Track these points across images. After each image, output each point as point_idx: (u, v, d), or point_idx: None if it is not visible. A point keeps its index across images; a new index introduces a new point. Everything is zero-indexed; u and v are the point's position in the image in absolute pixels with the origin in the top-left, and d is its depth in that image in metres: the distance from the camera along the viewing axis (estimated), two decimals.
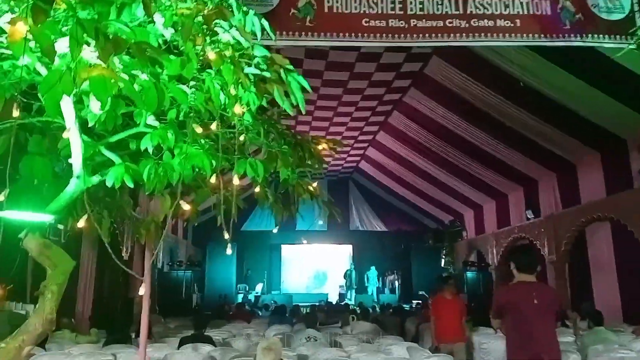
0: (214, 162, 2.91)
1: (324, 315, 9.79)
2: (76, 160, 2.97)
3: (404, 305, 14.59)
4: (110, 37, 1.69)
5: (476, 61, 9.34)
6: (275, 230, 3.82)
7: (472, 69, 9.89)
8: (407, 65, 11.05)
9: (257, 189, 3.28)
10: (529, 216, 13.21)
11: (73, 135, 2.86)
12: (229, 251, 3.00)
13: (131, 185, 2.94)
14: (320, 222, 4.11)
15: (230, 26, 2.12)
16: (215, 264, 18.01)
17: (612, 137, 9.71)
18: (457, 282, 17.01)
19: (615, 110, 8.81)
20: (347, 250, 21.43)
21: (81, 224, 2.60)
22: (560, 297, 3.86)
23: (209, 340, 5.85)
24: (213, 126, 2.67)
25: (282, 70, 2.32)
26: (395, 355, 5.46)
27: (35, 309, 2.52)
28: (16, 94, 3.14)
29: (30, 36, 1.59)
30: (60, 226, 3.13)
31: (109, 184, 2.95)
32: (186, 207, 3.09)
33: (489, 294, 15.06)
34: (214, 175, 2.97)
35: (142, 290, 2.46)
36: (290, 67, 2.33)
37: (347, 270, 19.54)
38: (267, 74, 2.29)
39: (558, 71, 8.28)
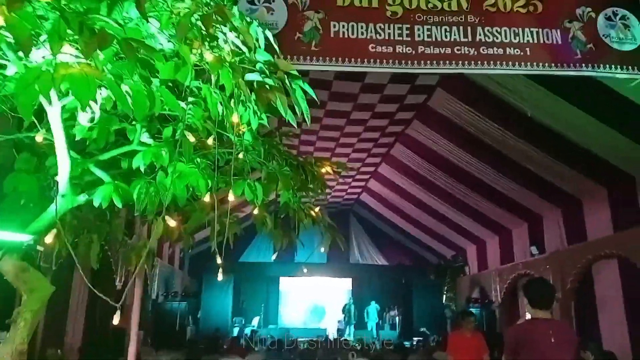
0: (209, 182, 2.71)
1: (322, 352, 9.42)
2: (62, 178, 2.78)
3: (405, 342, 14.12)
4: (97, 31, 1.52)
5: (481, 94, 9.26)
6: (274, 257, 3.57)
7: (477, 101, 9.81)
8: (411, 97, 10.99)
9: (256, 211, 3.06)
10: (533, 252, 12.92)
11: (59, 150, 2.68)
12: (220, 277, 2.73)
13: (119, 206, 2.74)
14: (322, 250, 3.88)
15: (232, 28, 1.96)
16: (211, 296, 17.61)
17: (619, 173, 9.52)
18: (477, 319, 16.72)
19: (623, 146, 8.66)
20: (346, 284, 21.01)
21: (49, 239, 2.36)
22: (578, 337, 3.54)
23: None
24: (210, 141, 2.47)
25: (286, 78, 2.14)
26: None
27: (5, 338, 2.28)
28: (5, 108, 2.99)
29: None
30: (40, 248, 2.89)
31: (96, 203, 2.76)
32: (172, 223, 2.86)
33: (492, 331, 14.65)
34: (208, 194, 2.76)
35: (116, 320, 2.22)
36: (295, 72, 2.15)
37: (345, 305, 19.09)
38: (269, 81, 2.12)
39: (565, 105, 8.17)
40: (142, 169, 2.84)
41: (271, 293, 20.43)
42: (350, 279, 21.08)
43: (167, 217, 3.84)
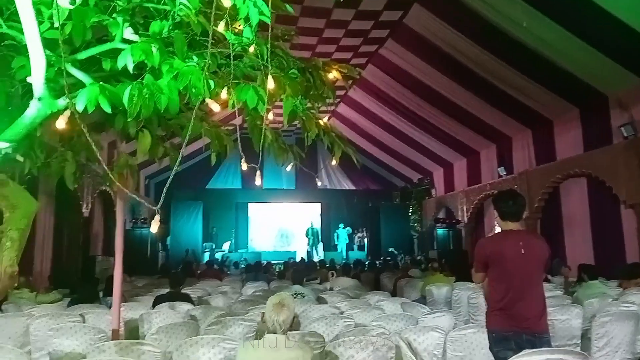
0: (211, 83, 2.37)
1: (299, 272, 9.44)
2: (37, 79, 2.37)
3: (375, 262, 14.47)
4: None
5: (458, 9, 8.91)
6: (289, 168, 3.22)
7: (454, 17, 9.47)
8: (387, 13, 10.49)
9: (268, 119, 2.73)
10: (501, 173, 13.13)
11: (32, 44, 2.26)
12: (257, 181, 2.46)
13: (108, 110, 2.37)
14: (334, 162, 3.58)
15: None
16: (180, 223, 17.40)
17: (592, 92, 9.53)
18: (428, 238, 17.18)
19: (598, 64, 8.57)
20: (315, 208, 21.14)
21: (60, 124, 2.01)
22: (548, 247, 3.43)
23: (186, 299, 5.41)
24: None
25: None
26: (388, 311, 5.16)
27: None
28: None
29: None
30: (20, 158, 2.52)
31: (79, 107, 2.38)
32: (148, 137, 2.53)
33: (458, 249, 15.18)
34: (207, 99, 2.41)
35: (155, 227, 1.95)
36: None
37: (308, 229, 19.33)
38: None
39: (542, 18, 7.90)
40: (130, 69, 2.46)
41: (240, 219, 20.39)
42: (319, 204, 21.22)
43: (144, 131, 3.51)
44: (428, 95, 12.51)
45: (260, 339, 2.69)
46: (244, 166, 2.56)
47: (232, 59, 2.70)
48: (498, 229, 3.56)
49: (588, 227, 10.34)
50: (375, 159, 19.34)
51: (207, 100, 2.30)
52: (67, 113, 1.96)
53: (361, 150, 18.88)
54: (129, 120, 2.48)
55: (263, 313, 2.67)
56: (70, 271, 9.54)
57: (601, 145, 9.47)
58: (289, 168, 3.27)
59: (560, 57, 8.91)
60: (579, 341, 4.71)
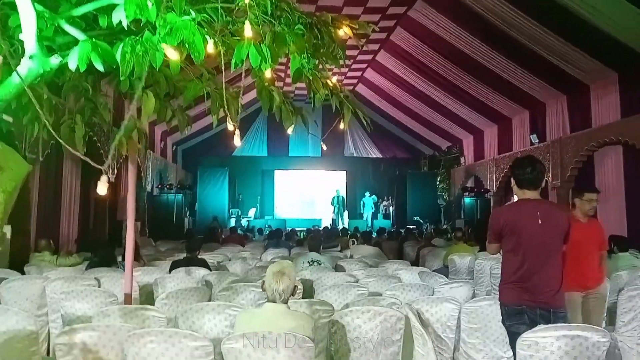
0: (207, 38, 2.23)
1: (320, 240, 9.40)
2: (28, 35, 2.28)
3: (400, 230, 14.34)
4: None
5: None
6: (290, 131, 3.07)
7: None
8: None
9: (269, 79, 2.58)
10: (533, 141, 12.68)
11: (22, 2, 2.15)
12: (236, 141, 2.35)
13: (101, 68, 2.27)
14: (342, 127, 3.44)
15: None
16: (206, 189, 17.56)
17: (633, 56, 8.96)
18: (455, 207, 16.88)
19: (637, 25, 8.04)
20: (340, 176, 21.03)
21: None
22: (569, 217, 3.17)
23: (203, 264, 5.41)
24: None
25: None
26: (405, 280, 5.06)
27: None
28: None
29: None
30: (8, 118, 2.46)
31: (72, 66, 2.28)
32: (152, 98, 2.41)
33: (485, 219, 14.88)
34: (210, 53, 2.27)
35: (103, 188, 1.87)
36: None
37: (333, 197, 19.23)
38: None
39: None
40: (125, 26, 2.33)
41: (266, 186, 20.48)
42: (345, 172, 21.09)
43: (148, 92, 3.40)
44: (459, 60, 12.04)
45: None
46: (230, 127, 2.43)
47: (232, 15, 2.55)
48: (516, 198, 3.36)
49: (622, 198, 9.93)
50: (403, 126, 18.97)
51: (165, 47, 2.15)
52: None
53: (389, 117, 18.57)
54: (121, 78, 2.36)
55: (263, 281, 2.59)
56: (98, 236, 9.73)
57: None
58: (289, 131, 3.11)
59: (600, 19, 8.37)
60: (605, 315, 4.52)
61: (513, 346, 2.94)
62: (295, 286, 2.54)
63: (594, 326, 2.66)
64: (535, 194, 3.14)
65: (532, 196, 3.13)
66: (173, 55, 2.13)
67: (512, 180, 3.26)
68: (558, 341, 2.49)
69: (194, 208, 17.33)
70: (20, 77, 2.17)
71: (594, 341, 2.50)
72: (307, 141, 20.20)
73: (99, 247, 6.10)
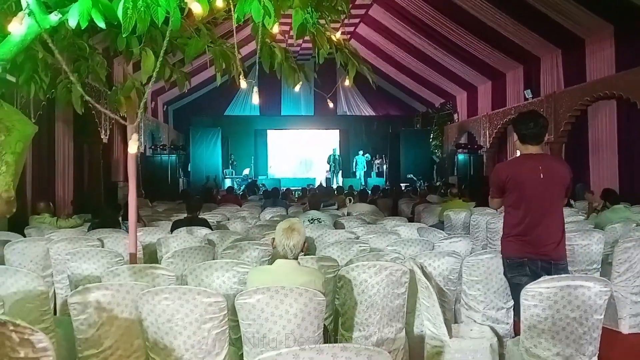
0: None
1: (317, 197, 9.46)
2: None
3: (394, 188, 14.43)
4: None
5: None
6: (297, 88, 2.99)
7: None
8: None
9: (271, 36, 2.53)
10: (527, 96, 12.67)
11: None
12: (255, 99, 2.33)
13: (102, 25, 2.21)
14: (347, 83, 3.37)
15: None
16: (199, 149, 17.48)
17: (629, 7, 8.84)
18: (448, 164, 16.99)
19: None
20: (333, 135, 20.95)
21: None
22: (571, 172, 3.20)
23: (204, 223, 5.44)
24: None
25: None
26: (404, 236, 5.13)
27: None
28: None
29: None
30: (11, 78, 2.41)
31: (72, 23, 2.22)
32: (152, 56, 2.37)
33: (479, 176, 15.01)
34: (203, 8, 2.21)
35: (134, 146, 1.87)
36: None
37: (330, 155, 19.20)
38: None
39: None
40: None
41: (259, 146, 20.39)
42: (338, 131, 21.01)
43: (147, 50, 3.33)
44: (453, 13, 11.84)
45: (272, 263, 2.67)
46: (243, 84, 2.39)
47: None
48: (518, 153, 3.37)
49: (615, 152, 10.03)
50: (397, 83, 18.81)
51: (188, 1, 2.10)
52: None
53: (382, 74, 18.34)
54: (124, 35, 2.31)
55: (273, 238, 2.61)
56: (93, 197, 9.71)
57: (636, 65, 8.94)
58: (297, 89, 3.07)
59: None
60: (599, 266, 4.64)
61: (515, 297, 3.02)
62: (304, 242, 2.57)
63: (596, 276, 2.73)
64: (538, 149, 3.15)
65: (535, 151, 3.14)
66: (197, 8, 2.07)
67: (515, 135, 3.26)
68: (561, 291, 2.56)
69: (188, 168, 17.29)
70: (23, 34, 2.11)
71: (596, 291, 2.57)
72: (300, 100, 20.01)
73: (99, 209, 6.10)
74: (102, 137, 9.94)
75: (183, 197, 9.72)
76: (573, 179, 3.27)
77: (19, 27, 2.15)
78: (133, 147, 1.97)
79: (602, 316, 2.65)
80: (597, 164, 10.59)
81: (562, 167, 3.20)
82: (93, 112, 8.94)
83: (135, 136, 1.95)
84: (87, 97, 2.61)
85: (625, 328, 4.33)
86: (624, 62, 9.37)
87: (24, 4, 2.11)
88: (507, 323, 3.57)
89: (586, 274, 4.37)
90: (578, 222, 5.78)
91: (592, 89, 10.13)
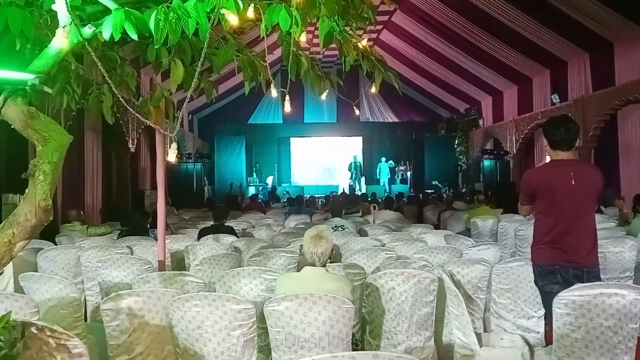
0: (240, 3, 2.19)
1: (340, 205, 9.45)
2: (61, 6, 2.27)
3: (418, 195, 14.34)
4: None
5: None
6: (324, 97, 3.00)
7: None
8: None
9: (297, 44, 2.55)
10: (554, 100, 12.46)
11: None
12: (287, 107, 2.35)
13: (135, 37, 2.25)
14: (373, 90, 3.34)
15: None
16: (224, 157, 17.68)
17: None
18: (474, 171, 16.80)
19: None
20: (357, 142, 20.93)
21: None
22: (603, 177, 3.13)
23: (230, 231, 5.49)
24: None
25: None
26: (430, 243, 5.08)
27: (24, 196, 1.96)
28: None
29: None
30: (47, 89, 2.47)
31: (105, 35, 2.27)
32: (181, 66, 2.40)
33: (505, 182, 14.80)
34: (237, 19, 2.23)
35: (173, 155, 1.90)
36: None
37: (350, 163, 19.19)
38: None
39: None
40: None
41: (283, 153, 20.49)
42: (361, 137, 20.98)
43: (176, 60, 3.38)
44: (477, 18, 11.74)
45: (300, 271, 2.68)
46: (274, 92, 2.42)
47: None
48: (548, 159, 3.31)
49: None
50: (420, 89, 18.71)
51: (224, 11, 2.13)
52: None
53: (405, 80, 18.25)
54: (155, 47, 2.36)
55: (301, 246, 2.62)
56: (121, 205, 9.90)
57: None
58: (324, 97, 3.09)
59: None
60: (632, 274, 4.51)
61: (547, 305, 2.96)
62: (332, 249, 2.58)
63: (630, 284, 2.67)
64: (569, 155, 3.10)
65: (566, 157, 3.09)
66: (234, 20, 2.11)
67: (545, 141, 3.21)
68: (595, 299, 2.51)
69: (213, 176, 17.48)
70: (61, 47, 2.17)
71: (630, 299, 2.51)
72: (322, 107, 20.04)
73: (129, 217, 6.20)
74: (129, 146, 10.13)
75: (209, 205, 9.83)
76: (605, 185, 3.20)
77: (61, 41, 2.21)
78: (172, 156, 2.01)
79: (638, 325, 2.58)
80: (627, 169, 10.34)
81: (595, 172, 3.14)
82: (121, 121, 9.12)
83: (174, 145, 1.99)
84: (126, 106, 2.65)
85: None
86: None
87: (64, 18, 2.17)
88: (538, 332, 3.50)
89: (619, 281, 4.26)
90: (610, 229, 5.63)
91: (621, 92, 9.92)
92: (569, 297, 2.56)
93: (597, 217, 5.99)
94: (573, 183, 2.99)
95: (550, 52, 11.88)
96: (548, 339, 3.22)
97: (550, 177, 3.08)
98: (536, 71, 13.33)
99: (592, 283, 2.68)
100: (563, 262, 2.98)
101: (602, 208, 7.52)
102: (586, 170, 3.13)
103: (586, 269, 2.98)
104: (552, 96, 12.57)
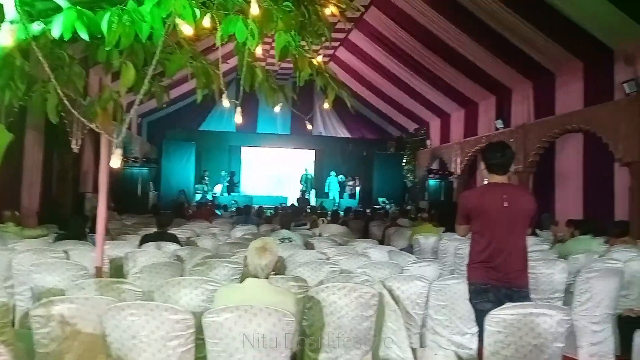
0: (197, 11, 2.20)
1: (289, 217, 9.46)
2: (9, 0, 2.20)
3: (366, 210, 14.55)
4: None
5: None
6: (277, 109, 3.01)
7: None
8: None
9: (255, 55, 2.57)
10: (498, 126, 12.98)
11: None
12: (237, 118, 2.35)
13: (86, 37, 2.21)
14: (325, 106, 3.37)
15: None
16: (172, 163, 17.29)
17: (598, 45, 9.25)
18: (420, 189, 17.20)
19: (606, 15, 8.28)
20: (309, 155, 21.02)
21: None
22: (535, 202, 3.32)
23: (173, 239, 5.38)
24: None
25: None
26: (374, 258, 5.17)
27: None
28: None
29: None
30: None
31: (55, 34, 2.22)
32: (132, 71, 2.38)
33: (449, 201, 15.24)
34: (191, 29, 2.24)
35: (117, 161, 1.87)
36: None
37: (302, 175, 19.30)
38: None
39: None
40: None
41: (233, 162, 20.24)
42: (314, 151, 21.09)
43: (127, 62, 3.32)
44: (430, 42, 12.17)
45: (242, 282, 2.67)
46: (226, 103, 2.43)
47: None
48: (486, 182, 3.47)
49: (580, 184, 10.34)
50: (373, 107, 19.11)
51: (178, 21, 2.13)
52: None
53: (359, 97, 18.59)
54: (106, 48, 2.32)
55: (246, 257, 2.62)
56: (60, 207, 9.49)
57: (602, 101, 9.30)
58: (277, 109, 3.12)
59: (569, 7, 8.60)
60: (562, 295, 4.75)
61: (480, 323, 3.08)
62: (277, 262, 2.59)
63: (558, 305, 2.82)
64: (504, 178, 3.25)
65: (501, 180, 3.24)
66: (188, 30, 2.10)
67: (482, 164, 3.36)
68: (524, 318, 2.63)
69: (159, 182, 17.06)
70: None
71: (557, 319, 2.65)
72: (276, 118, 20.00)
73: (66, 220, 5.98)
74: (73, 146, 9.76)
75: (153, 211, 9.60)
76: (539, 209, 3.37)
77: (6, 37, 2.14)
78: (116, 162, 1.97)
79: (563, 344, 2.73)
80: (562, 194, 10.90)
81: (527, 196, 3.30)
82: (65, 121, 8.78)
83: (119, 151, 1.95)
84: (70, 109, 2.57)
85: (584, 356, 4.42)
86: (592, 97, 9.74)
87: (11, 13, 2.10)
88: (471, 348, 3.63)
89: (549, 302, 4.47)
90: (542, 251, 5.92)
91: (560, 121, 10.46)
92: (500, 316, 2.68)
93: (531, 239, 6.30)
94: (505, 205, 3.13)
95: (496, 79, 12.43)
96: (480, 356, 3.34)
97: (484, 199, 3.22)
98: (482, 96, 13.88)
99: (522, 303, 2.81)
100: (495, 281, 3.11)
101: (537, 231, 7.89)
102: (519, 194, 3.28)
103: (516, 289, 3.12)
104: (496, 121, 13.10)
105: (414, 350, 3.23)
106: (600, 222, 8.81)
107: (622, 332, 4.16)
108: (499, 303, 2.90)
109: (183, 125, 18.74)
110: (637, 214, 8.20)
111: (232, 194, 18.75)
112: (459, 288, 3.58)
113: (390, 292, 3.34)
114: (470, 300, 3.28)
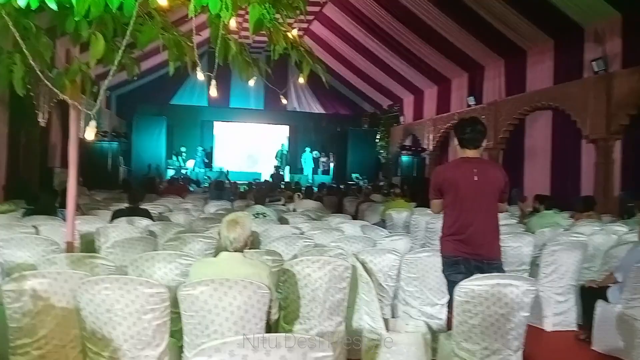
0: None
1: (263, 192, 9.46)
2: None
3: (340, 186, 14.64)
4: None
5: None
6: (251, 83, 2.99)
7: None
8: None
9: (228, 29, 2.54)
10: (470, 102, 13.14)
11: None
12: (212, 91, 2.32)
13: (54, 7, 2.15)
14: (300, 81, 3.34)
15: None
16: (142, 138, 16.99)
17: (569, 24, 9.40)
18: (393, 165, 17.39)
19: None
20: (283, 130, 20.90)
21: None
22: (506, 176, 3.40)
23: (146, 214, 5.34)
24: None
25: None
26: (347, 233, 5.24)
27: None
28: None
29: None
30: None
31: (21, 2, 2.14)
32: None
33: (421, 177, 15.45)
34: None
35: (91, 133, 1.83)
36: None
37: (278, 151, 19.23)
38: None
39: None
40: None
41: (206, 137, 19.97)
42: (288, 127, 20.97)
43: (97, 34, 3.23)
44: (405, 17, 12.16)
45: (217, 256, 2.68)
46: (200, 75, 2.40)
47: None
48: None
49: (548, 160, 10.62)
50: (347, 83, 19.06)
51: None
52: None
53: (333, 73, 18.49)
54: (75, 18, 2.25)
55: (220, 231, 2.63)
56: (27, 182, 9.26)
57: (572, 79, 9.51)
58: (251, 83, 3.09)
59: None
60: (528, 267, 4.93)
61: (451, 293, 3.18)
62: (249, 236, 2.60)
63: (524, 276, 2.92)
64: (475, 153, 3.30)
65: (472, 155, 3.29)
66: (162, 1, 2.05)
67: (455, 140, 3.41)
68: (492, 289, 2.72)
69: (129, 157, 16.77)
70: None
71: (523, 290, 2.75)
72: (250, 93, 19.74)
73: (34, 195, 5.85)
74: (39, 120, 9.49)
75: (124, 186, 9.46)
76: (510, 183, 3.44)
77: None
78: (90, 134, 1.93)
79: (528, 314, 2.84)
80: (531, 170, 11.17)
81: (497, 170, 3.37)
82: (31, 94, 8.52)
83: (93, 123, 1.91)
84: (43, 78, 2.49)
85: (549, 326, 4.63)
86: (561, 75, 9.94)
87: None
88: (441, 319, 3.75)
89: (516, 273, 4.63)
90: (510, 225, 6.09)
91: (531, 99, 10.66)
92: (468, 287, 2.76)
93: (501, 214, 6.46)
94: (476, 179, 3.19)
95: (469, 56, 12.53)
96: (450, 325, 3.45)
97: (454, 173, 3.28)
98: (455, 73, 13.99)
99: (490, 274, 2.90)
100: (465, 253, 3.19)
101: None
102: (489, 169, 3.35)
103: (487, 261, 3.21)
104: (468, 98, 13.26)
105: (386, 321, 3.31)
106: (566, 197, 9.14)
107: (585, 303, 4.35)
108: (470, 274, 2.98)
109: (153, 99, 18.35)
110: (602, 190, 8.48)
111: (206, 169, 18.53)
112: (430, 261, 3.67)
113: (363, 265, 3.41)
114: (443, 271, 3.36)
